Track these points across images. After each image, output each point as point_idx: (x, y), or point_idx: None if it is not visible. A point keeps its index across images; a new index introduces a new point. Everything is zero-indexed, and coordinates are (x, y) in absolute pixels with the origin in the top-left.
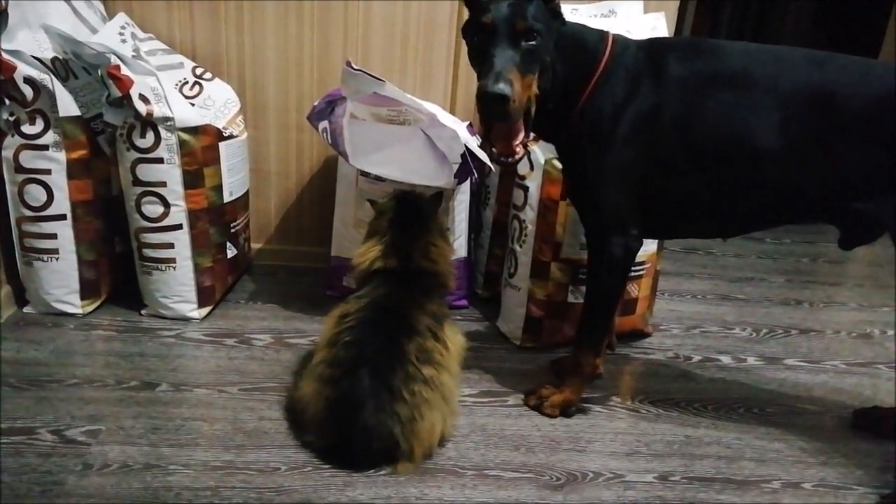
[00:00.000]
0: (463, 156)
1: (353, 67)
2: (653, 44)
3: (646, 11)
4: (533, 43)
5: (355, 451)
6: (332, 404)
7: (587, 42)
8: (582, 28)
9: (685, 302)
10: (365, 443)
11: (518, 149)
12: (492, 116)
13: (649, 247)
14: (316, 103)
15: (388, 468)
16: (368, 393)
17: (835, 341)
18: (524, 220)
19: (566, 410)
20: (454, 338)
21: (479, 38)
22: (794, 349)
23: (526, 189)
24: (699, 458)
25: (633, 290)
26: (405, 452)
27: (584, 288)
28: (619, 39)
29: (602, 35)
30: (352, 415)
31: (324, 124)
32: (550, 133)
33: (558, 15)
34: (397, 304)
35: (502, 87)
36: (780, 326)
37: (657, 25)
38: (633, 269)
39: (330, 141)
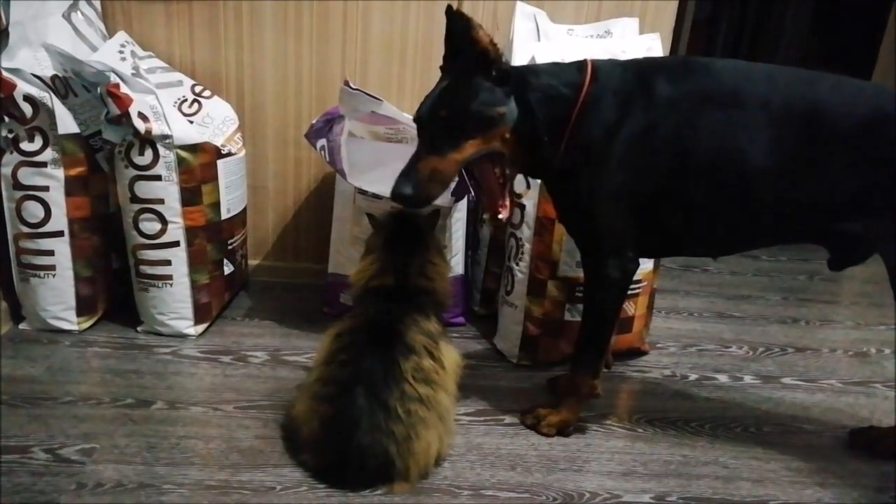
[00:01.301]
0: (460, 174)
1: (350, 87)
2: (642, 64)
3: (641, 32)
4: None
5: (350, 470)
6: (328, 423)
7: (562, 76)
8: (553, 66)
9: (682, 320)
10: (360, 461)
11: (506, 205)
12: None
13: (646, 265)
14: (314, 121)
15: (383, 488)
16: (364, 411)
17: (831, 360)
18: (521, 238)
19: (563, 430)
20: (450, 356)
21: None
22: (790, 368)
23: (522, 207)
24: (696, 479)
25: (629, 308)
26: (400, 472)
27: (580, 306)
28: (600, 64)
29: (579, 65)
30: (347, 433)
31: (322, 142)
32: (541, 170)
33: (504, 73)
34: (394, 322)
35: (401, 189)
36: (776, 345)
37: (653, 45)
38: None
39: (328, 159)
